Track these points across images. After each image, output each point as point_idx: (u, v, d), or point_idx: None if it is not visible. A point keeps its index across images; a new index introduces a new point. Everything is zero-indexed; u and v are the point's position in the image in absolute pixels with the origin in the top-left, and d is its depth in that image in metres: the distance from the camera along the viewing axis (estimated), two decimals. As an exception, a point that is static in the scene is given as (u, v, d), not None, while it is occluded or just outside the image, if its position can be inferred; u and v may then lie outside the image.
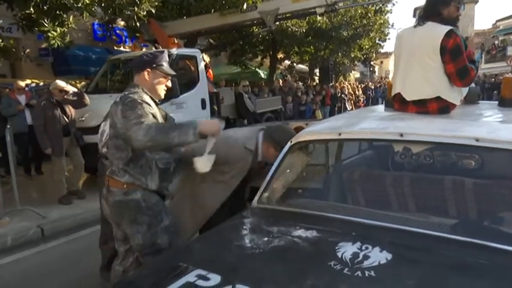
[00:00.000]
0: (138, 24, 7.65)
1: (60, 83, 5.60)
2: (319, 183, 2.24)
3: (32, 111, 7.05)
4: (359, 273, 1.37)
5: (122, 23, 10.21)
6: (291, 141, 2.25)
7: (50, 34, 5.84)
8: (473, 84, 2.70)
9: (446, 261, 1.43)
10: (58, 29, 5.91)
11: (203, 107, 7.83)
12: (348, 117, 2.69)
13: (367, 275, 1.36)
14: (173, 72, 2.35)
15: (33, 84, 9.16)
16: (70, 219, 5.01)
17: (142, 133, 1.95)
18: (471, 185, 1.81)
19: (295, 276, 1.40)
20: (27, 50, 8.94)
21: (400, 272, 1.38)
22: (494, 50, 31.12)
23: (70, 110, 5.63)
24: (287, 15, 10.13)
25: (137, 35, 10.05)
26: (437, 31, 2.24)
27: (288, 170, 2.24)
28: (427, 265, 1.42)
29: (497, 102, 2.58)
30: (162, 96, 2.32)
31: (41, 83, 9.74)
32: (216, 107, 8.53)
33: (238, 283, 1.34)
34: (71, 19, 6.40)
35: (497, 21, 37.19)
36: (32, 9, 5.57)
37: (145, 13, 6.87)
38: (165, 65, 2.29)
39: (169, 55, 7.30)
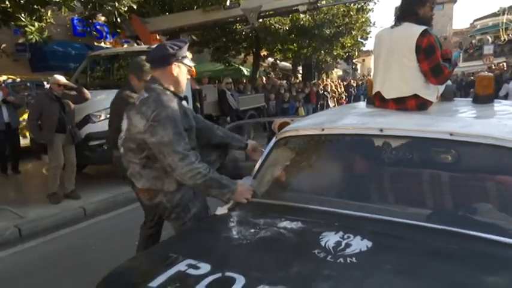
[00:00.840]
0: (119, 20, 7.53)
1: (59, 77, 5.55)
2: (303, 177, 2.31)
3: (8, 108, 6.95)
4: (341, 260, 1.45)
5: (103, 18, 10.06)
6: (276, 137, 2.32)
7: (27, 29, 5.70)
8: (449, 82, 2.83)
9: (422, 247, 1.53)
10: (36, 24, 5.76)
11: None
12: (331, 113, 2.78)
13: (348, 261, 1.44)
14: (193, 64, 2.31)
15: (10, 81, 8.98)
16: (49, 219, 4.92)
17: (189, 174, 1.95)
18: (446, 178, 1.92)
19: (281, 264, 1.47)
20: (3, 45, 8.71)
21: (380, 259, 1.46)
22: (471, 48, 31.86)
23: (70, 106, 5.57)
24: (270, 12, 10.19)
25: (118, 30, 9.93)
26: (412, 31, 2.34)
27: (274, 165, 2.31)
28: (404, 251, 1.51)
29: (471, 99, 2.71)
30: (185, 90, 2.26)
31: (18, 79, 9.55)
32: (198, 104, 8.51)
33: (228, 271, 1.41)
34: (49, 14, 6.25)
35: (475, 20, 38.19)
36: (8, 2, 5.42)
37: (126, 9, 6.79)
38: (187, 57, 2.21)
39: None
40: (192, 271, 1.43)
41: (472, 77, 16.16)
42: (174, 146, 1.93)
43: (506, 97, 12.32)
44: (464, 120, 2.21)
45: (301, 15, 13.91)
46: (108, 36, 12.85)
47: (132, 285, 1.42)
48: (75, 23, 12.22)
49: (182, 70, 2.15)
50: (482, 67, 20.43)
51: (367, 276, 1.35)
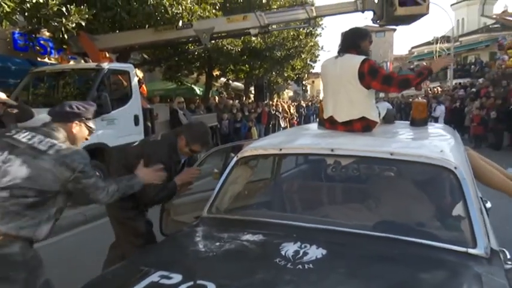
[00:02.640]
0: (66, 36, 7.25)
1: (1, 94, 5.24)
2: (263, 194, 2.49)
3: None
4: (300, 266, 1.63)
5: (47, 33, 9.66)
6: (237, 156, 2.49)
7: None
8: (390, 106, 3.17)
9: (369, 253, 1.75)
10: None
11: (136, 123, 7.62)
12: (286, 134, 3.01)
13: (306, 267, 1.62)
14: (95, 127, 2.32)
15: None
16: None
17: (110, 199, 2.14)
18: (388, 192, 2.18)
19: (247, 272, 1.62)
20: None
21: (334, 264, 1.66)
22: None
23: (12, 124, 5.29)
24: (222, 34, 10.36)
25: (64, 46, 9.58)
26: (354, 61, 2.62)
27: (235, 182, 2.47)
28: (355, 257, 1.73)
29: (409, 122, 3.06)
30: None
31: (-50, 95, 8.89)
32: (149, 124, 8.39)
33: (199, 279, 1.53)
34: (-14, 26, 5.85)
35: (412, 48, 41.14)
36: None
37: (74, 25, 6.55)
38: (92, 119, 2.26)
39: (101, 69, 7.08)
40: (165, 281, 1.54)
41: (410, 100, 17.41)
42: (96, 185, 2.08)
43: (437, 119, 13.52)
44: (402, 142, 2.51)
45: (253, 38, 14.32)
46: (52, 51, 12.16)
47: (107, 298, 1.50)
48: (16, 37, 11.41)
49: (82, 129, 2.21)
50: (420, 92, 22.02)
51: (324, 279, 1.54)
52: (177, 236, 2.23)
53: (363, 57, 2.62)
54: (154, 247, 2.08)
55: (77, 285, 1.66)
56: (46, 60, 12.23)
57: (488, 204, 2.58)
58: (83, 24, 6.84)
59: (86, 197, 2.07)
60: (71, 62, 9.77)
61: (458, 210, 1.87)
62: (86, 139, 2.27)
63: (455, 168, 1.90)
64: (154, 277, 1.57)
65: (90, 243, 2.85)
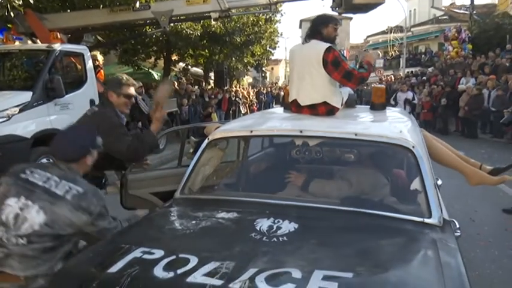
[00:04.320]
0: (12, 14, 6.79)
1: None
2: (234, 175, 2.58)
3: None
4: (275, 239, 1.74)
5: (-10, 11, 9.01)
6: (208, 138, 2.55)
7: None
8: (352, 92, 3.34)
9: (337, 225, 1.91)
10: None
11: None
12: (255, 117, 3.10)
13: (281, 240, 1.74)
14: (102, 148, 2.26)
15: None
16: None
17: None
18: (351, 170, 2.34)
19: (225, 246, 1.71)
20: None
21: (306, 236, 1.79)
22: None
23: None
24: (181, 17, 10.15)
25: (9, 26, 8.99)
26: (319, 47, 2.75)
27: (206, 164, 2.53)
28: (324, 229, 1.87)
29: (369, 106, 3.25)
30: None
31: None
32: None
33: (180, 253, 1.60)
34: None
35: (368, 36, 42.38)
36: None
37: (21, 2, 6.21)
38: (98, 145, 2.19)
39: (52, 51, 6.70)
40: (147, 256, 1.59)
41: (366, 87, 18.03)
42: (111, 227, 2.07)
43: (410, 102, 13.94)
44: (365, 124, 2.68)
45: (213, 22, 14.14)
46: (-4, 31, 11.46)
47: (91, 274, 1.52)
48: (-48, 14, 10.66)
49: (94, 155, 2.17)
50: (375, 78, 22.86)
51: (297, 249, 1.66)
52: (151, 216, 2.27)
53: (327, 45, 2.73)
54: (131, 228, 2.11)
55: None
56: (-12, 40, 11.43)
57: (439, 182, 2.83)
58: (31, 1, 6.44)
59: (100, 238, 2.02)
60: (17, 43, 9.12)
61: (415, 185, 2.06)
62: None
63: (413, 147, 2.08)
64: (137, 253, 1.62)
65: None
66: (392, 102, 13.83)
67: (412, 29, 32.72)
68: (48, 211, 1.89)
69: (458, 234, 1.95)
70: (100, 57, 9.48)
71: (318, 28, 2.86)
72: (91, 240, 2.05)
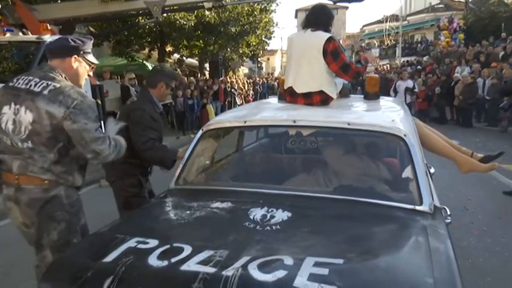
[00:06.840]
0: (0, 5, 6.76)
1: None
2: (228, 165, 2.59)
3: None
4: (268, 228, 1.77)
5: (-22, 2, 8.84)
6: (203, 129, 2.56)
7: None
8: (345, 81, 3.35)
9: (329, 213, 1.93)
10: None
11: None
12: (250, 108, 3.11)
13: (274, 228, 1.76)
14: (97, 62, 2.29)
15: None
16: None
17: (113, 154, 2.08)
18: (344, 159, 2.36)
19: (219, 235, 1.73)
20: None
21: (299, 224, 1.81)
22: (361, 51, 35.26)
23: None
24: (175, 7, 10.03)
25: (-2, 17, 8.86)
26: (321, 36, 2.76)
27: (201, 155, 2.55)
28: (317, 217, 1.90)
29: (363, 96, 3.26)
30: (83, 87, 2.22)
31: None
32: (99, 101, 8.03)
33: (175, 243, 1.62)
34: None
35: (364, 26, 42.25)
36: None
37: None
38: (91, 53, 2.19)
39: (42, 42, 6.55)
40: (142, 246, 1.61)
41: (362, 77, 18.00)
42: (95, 132, 2.01)
43: (411, 91, 13.74)
44: (358, 113, 2.70)
45: (207, 12, 13.98)
46: (-16, 22, 11.26)
47: (86, 264, 1.54)
48: None
49: (82, 65, 2.16)
50: (371, 68, 22.82)
51: (291, 237, 1.68)
52: (146, 207, 2.29)
53: (328, 35, 2.75)
54: (125, 219, 2.13)
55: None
56: (-24, 31, 11.24)
57: (432, 170, 2.86)
58: None
59: (87, 147, 1.99)
60: (7, 35, 9.00)
61: (407, 173, 2.08)
62: (89, 75, 2.25)
63: (404, 135, 2.10)
64: (131, 243, 1.64)
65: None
66: (392, 94, 13.64)
67: (408, 18, 32.63)
68: (33, 108, 1.98)
69: (449, 221, 1.98)
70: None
71: (328, 21, 2.87)
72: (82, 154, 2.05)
